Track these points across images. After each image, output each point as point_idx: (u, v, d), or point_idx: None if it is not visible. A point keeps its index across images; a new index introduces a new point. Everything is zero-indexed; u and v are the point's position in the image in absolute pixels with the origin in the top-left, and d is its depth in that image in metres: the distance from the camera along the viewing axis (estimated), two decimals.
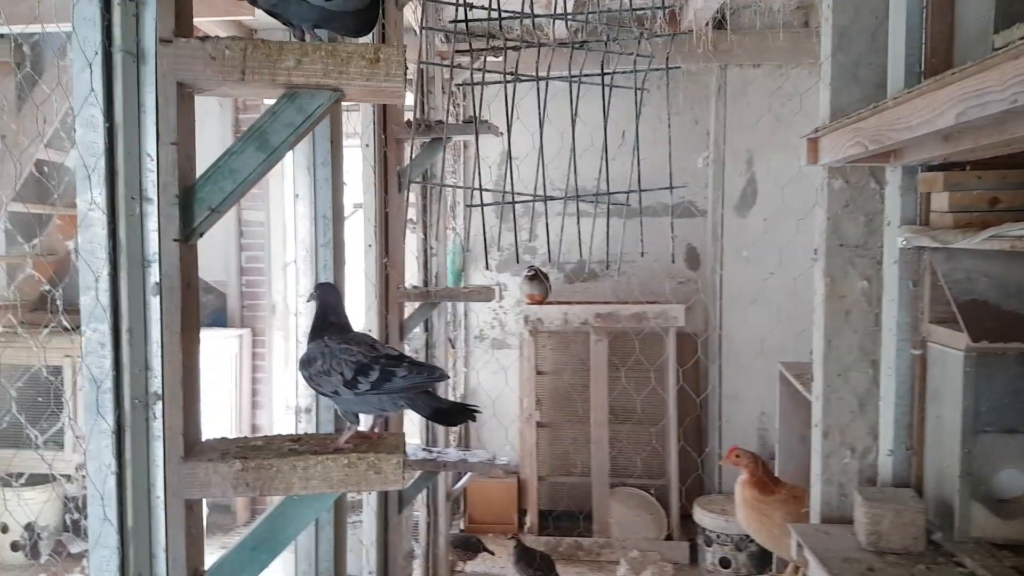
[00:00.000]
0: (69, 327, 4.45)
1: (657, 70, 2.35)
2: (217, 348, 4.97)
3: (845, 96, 2.06)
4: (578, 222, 2.32)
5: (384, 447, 1.25)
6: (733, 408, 5.06)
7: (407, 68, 1.19)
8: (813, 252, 2.17)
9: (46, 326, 4.09)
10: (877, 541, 1.95)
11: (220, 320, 5.38)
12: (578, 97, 2.15)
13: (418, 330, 3.84)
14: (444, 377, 1.35)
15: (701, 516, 4.47)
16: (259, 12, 3.80)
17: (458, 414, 1.40)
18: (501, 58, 2.25)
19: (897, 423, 2.11)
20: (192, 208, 1.18)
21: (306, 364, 1.36)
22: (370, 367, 1.30)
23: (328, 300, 1.44)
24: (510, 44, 2.12)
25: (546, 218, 2.23)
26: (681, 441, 4.85)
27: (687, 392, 4.94)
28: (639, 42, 2.19)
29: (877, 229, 2.10)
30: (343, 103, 1.37)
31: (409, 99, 3.75)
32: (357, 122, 2.60)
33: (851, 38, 2.07)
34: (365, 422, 1.38)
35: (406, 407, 1.34)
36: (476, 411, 1.39)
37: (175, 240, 1.16)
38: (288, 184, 5.47)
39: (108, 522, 1.17)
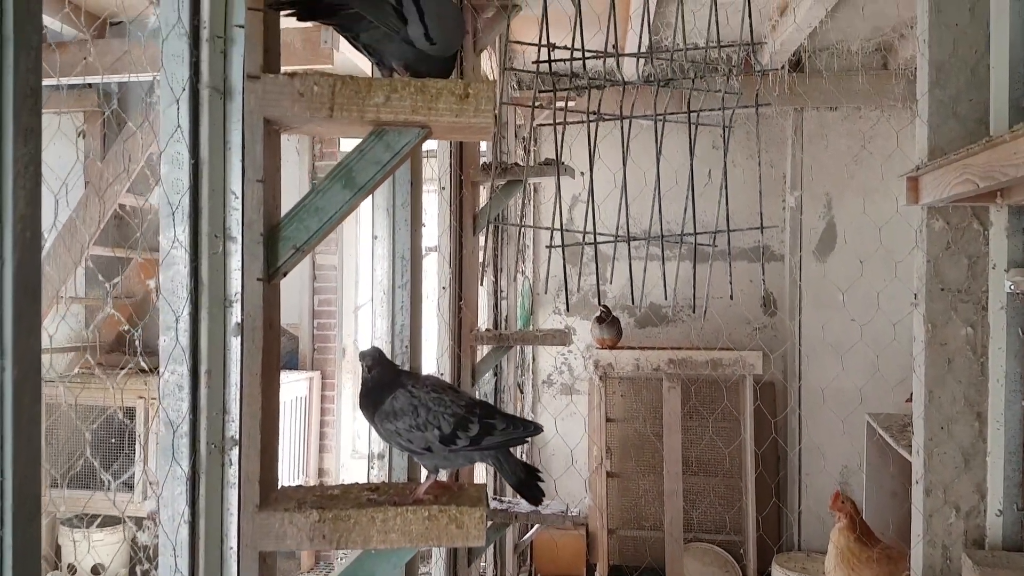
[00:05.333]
0: (147, 368, 4.55)
1: (747, 107, 2.28)
2: (287, 390, 4.99)
3: (944, 133, 1.95)
4: (662, 263, 2.25)
5: (466, 499, 1.18)
6: (814, 461, 4.85)
7: (496, 105, 1.16)
8: (913, 297, 2.04)
9: (123, 367, 4.16)
10: None
11: (292, 363, 5.43)
12: (662, 136, 2.09)
13: (487, 375, 3.78)
14: (539, 430, 1.25)
15: (780, 574, 4.25)
16: (337, 62, 3.87)
17: (533, 488, 1.27)
18: (580, 99, 2.22)
19: (1007, 480, 1.95)
20: (277, 247, 1.15)
21: (392, 417, 1.21)
22: (468, 420, 1.18)
23: (385, 357, 1.34)
24: (593, 84, 2.08)
25: (629, 260, 2.16)
26: (757, 494, 4.65)
27: (765, 442, 4.75)
28: (727, 79, 2.13)
29: (981, 273, 1.97)
30: (422, 148, 1.35)
31: (482, 144, 3.76)
32: (435, 166, 2.59)
33: (949, 73, 1.96)
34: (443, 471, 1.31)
35: (493, 466, 1.24)
36: (540, 479, 1.28)
37: (259, 279, 1.13)
38: (362, 229, 5.54)
39: (179, 574, 1.12)
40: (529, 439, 1.27)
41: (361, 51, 1.28)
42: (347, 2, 1.18)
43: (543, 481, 1.28)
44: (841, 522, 2.90)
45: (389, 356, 1.66)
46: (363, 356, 1.31)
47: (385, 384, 1.25)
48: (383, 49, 1.23)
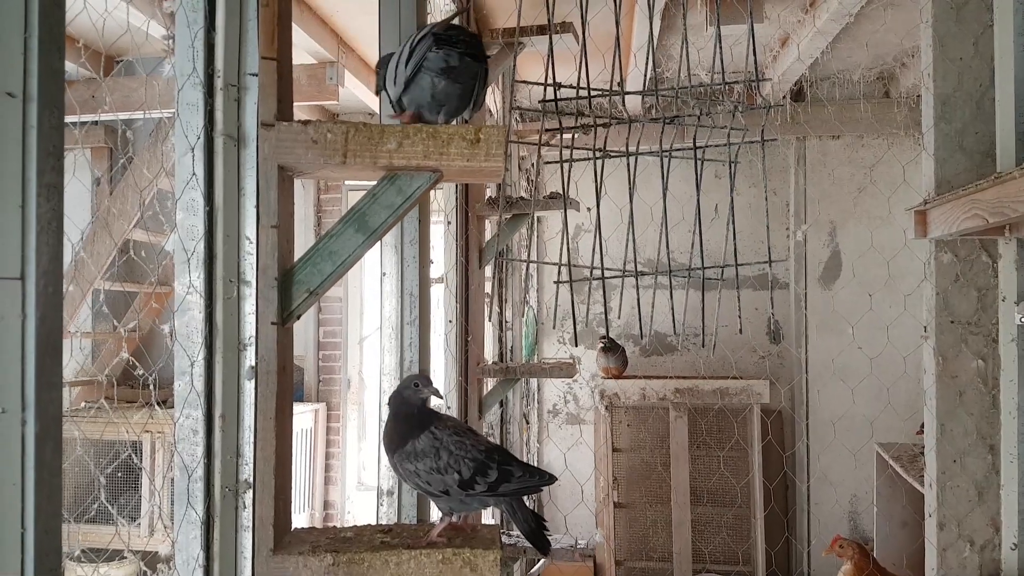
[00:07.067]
0: (157, 402, 4.54)
1: (753, 142, 2.31)
2: (293, 423, 4.96)
3: (951, 166, 1.96)
4: (671, 297, 2.26)
5: (479, 541, 1.18)
6: (823, 490, 4.81)
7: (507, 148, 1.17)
8: (923, 329, 2.04)
9: (131, 402, 4.16)
10: None
11: (297, 395, 5.42)
12: (668, 172, 2.11)
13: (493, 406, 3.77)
14: (553, 480, 1.25)
15: None
16: (342, 98, 3.88)
17: (542, 538, 1.27)
18: (586, 135, 2.25)
19: (1022, 514, 1.93)
20: (290, 291, 1.16)
21: (413, 458, 1.21)
22: (488, 466, 1.18)
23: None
24: (600, 121, 2.11)
25: (637, 290, 2.17)
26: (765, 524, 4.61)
27: (773, 472, 4.72)
28: (733, 115, 2.16)
29: (991, 305, 1.97)
30: None
31: None
32: (441, 200, 2.61)
33: (955, 107, 1.98)
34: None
35: (505, 512, 1.24)
36: (547, 529, 1.28)
37: (272, 323, 1.14)
38: (368, 260, 5.54)
39: None
40: (543, 487, 1.25)
41: (432, 106, 1.30)
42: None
43: (548, 531, 1.29)
44: (846, 565, 2.76)
45: None
46: (428, 382, 1.28)
47: (409, 423, 1.26)
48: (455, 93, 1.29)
